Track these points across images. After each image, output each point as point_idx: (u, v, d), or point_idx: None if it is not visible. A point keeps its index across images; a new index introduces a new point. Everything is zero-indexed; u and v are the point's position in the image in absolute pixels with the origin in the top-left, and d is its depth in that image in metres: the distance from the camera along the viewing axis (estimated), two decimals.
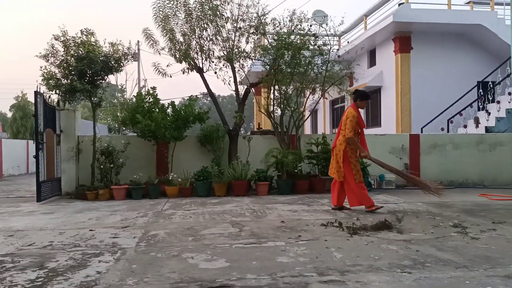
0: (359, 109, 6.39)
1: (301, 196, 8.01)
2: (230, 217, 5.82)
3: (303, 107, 10.36)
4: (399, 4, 13.97)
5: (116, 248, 4.19)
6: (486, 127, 11.61)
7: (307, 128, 23.52)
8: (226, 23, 9.60)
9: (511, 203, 6.84)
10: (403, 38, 14.06)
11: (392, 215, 5.80)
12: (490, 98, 12.64)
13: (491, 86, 12.88)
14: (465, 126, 12.53)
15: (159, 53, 9.81)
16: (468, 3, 14.85)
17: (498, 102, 11.91)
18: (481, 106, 12.81)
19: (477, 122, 12.07)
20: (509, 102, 11.53)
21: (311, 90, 10.04)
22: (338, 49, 15.52)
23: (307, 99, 10.64)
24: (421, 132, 12.56)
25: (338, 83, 9.87)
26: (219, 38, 9.54)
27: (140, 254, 3.92)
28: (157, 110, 8.80)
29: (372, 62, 16.36)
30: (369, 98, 6.50)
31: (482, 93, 12.95)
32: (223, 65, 9.62)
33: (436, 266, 3.38)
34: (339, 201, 6.32)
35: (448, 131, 12.56)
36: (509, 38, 7.44)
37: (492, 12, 13.89)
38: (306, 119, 11.51)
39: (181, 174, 8.63)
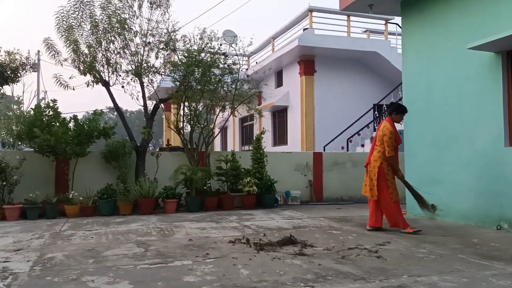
0: (395, 123, 5.93)
1: (210, 213, 7.96)
2: (135, 237, 5.56)
3: (213, 124, 10.40)
4: (304, 29, 14.86)
5: (7, 273, 3.79)
6: None
7: (217, 145, 23.64)
8: (135, 37, 9.36)
9: (406, 217, 7.48)
10: (307, 61, 14.95)
11: (297, 230, 6.03)
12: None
13: (385, 108, 14.20)
14: (362, 146, 13.59)
15: (61, 65, 9.23)
16: (365, 31, 16.30)
17: None
18: (376, 127, 14.01)
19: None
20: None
21: (221, 108, 10.14)
22: (247, 69, 15.99)
23: (216, 116, 10.72)
24: (324, 150, 13.36)
25: (247, 102, 10.11)
26: (127, 51, 9.25)
27: (34, 279, 3.58)
28: (57, 124, 8.18)
29: (279, 83, 17.08)
30: (405, 111, 6.02)
31: (377, 115, 14.22)
32: (131, 79, 9.32)
33: (337, 278, 3.56)
34: (376, 221, 5.94)
35: (347, 150, 13.52)
36: (400, 65, 8.27)
37: (386, 41, 15.42)
38: (216, 136, 11.57)
39: (83, 192, 8.07)
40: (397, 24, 15.07)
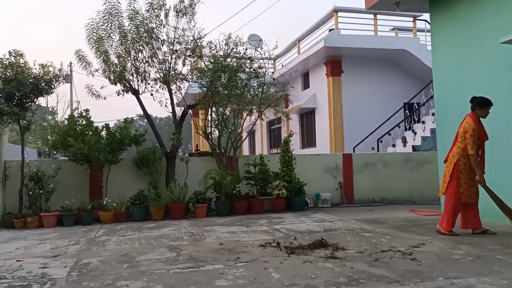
0: (481, 119, 5.57)
1: (239, 217, 8.00)
2: (167, 242, 5.65)
3: (240, 128, 10.46)
4: (330, 30, 14.74)
5: (46, 279, 3.92)
6: (413, 146, 12.42)
7: (245, 149, 23.72)
8: (162, 45, 9.56)
9: (437, 218, 7.29)
10: (334, 62, 14.80)
11: (328, 233, 5.96)
12: (416, 119, 13.58)
13: (416, 107, 13.87)
14: (393, 145, 13.32)
15: (93, 75, 9.53)
16: (393, 29, 15.99)
17: (423, 122, 12.82)
18: (407, 126, 13.71)
19: (404, 141, 12.89)
20: (433, 122, 12.42)
21: (248, 112, 10.19)
22: (273, 72, 16.01)
23: (244, 121, 10.78)
24: (353, 151, 13.17)
25: (274, 105, 10.11)
26: (155, 60, 9.46)
27: (71, 284, 3.69)
28: (90, 133, 8.45)
29: (306, 85, 16.99)
30: (490, 104, 5.58)
31: (408, 114, 13.91)
32: (160, 87, 9.52)
33: (370, 282, 3.50)
34: (470, 223, 5.61)
35: (378, 150, 13.27)
36: (430, 62, 8.08)
37: (415, 38, 15.06)
38: (244, 140, 11.63)
39: (116, 199, 8.29)
40: (426, 20, 14.71)
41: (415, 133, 12.70)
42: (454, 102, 7.31)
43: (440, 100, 7.75)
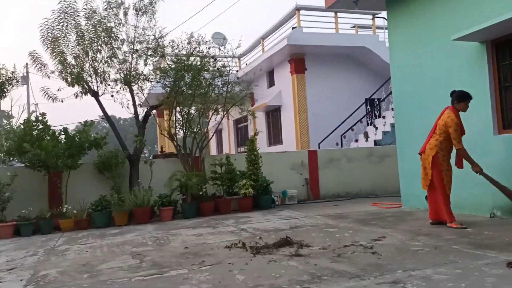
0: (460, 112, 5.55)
1: (207, 219, 7.94)
2: (130, 248, 5.53)
3: (206, 128, 10.38)
4: (293, 28, 14.86)
5: None
6: (374, 140, 12.73)
7: (213, 149, 23.61)
8: (122, 45, 9.31)
9: (398, 210, 7.52)
10: (298, 59, 14.94)
11: (293, 230, 6.02)
12: (377, 114, 13.93)
13: (377, 102, 14.22)
14: (356, 141, 13.61)
15: (48, 77, 9.18)
16: (353, 27, 16.30)
17: (384, 117, 13.16)
18: (369, 122, 14.04)
19: (366, 136, 13.20)
20: (393, 117, 12.78)
21: (213, 111, 10.12)
22: (237, 71, 15.98)
23: (209, 120, 10.70)
24: (319, 147, 13.36)
25: (239, 104, 10.09)
26: (114, 60, 9.21)
27: None
28: (47, 137, 8.13)
29: (271, 83, 17.07)
30: (469, 98, 5.55)
31: (369, 109, 14.24)
32: (120, 88, 9.29)
33: (332, 278, 3.55)
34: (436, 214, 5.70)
35: (342, 146, 13.54)
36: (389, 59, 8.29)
37: (374, 35, 15.42)
38: (209, 140, 11.55)
39: (77, 205, 8.01)
40: (384, 18, 15.07)
41: (376, 128, 13.03)
42: (412, 97, 7.53)
43: (398, 96, 7.97)
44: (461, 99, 5.51)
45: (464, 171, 6.44)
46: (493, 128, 6.04)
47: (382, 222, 6.32)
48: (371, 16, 15.71)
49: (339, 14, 15.11)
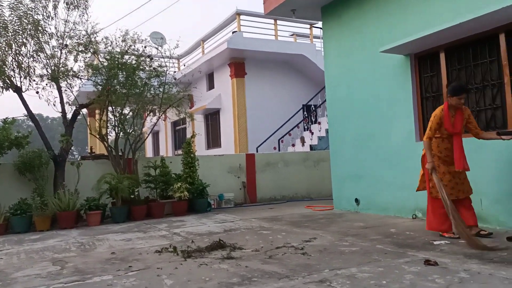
0: (459, 108, 4.91)
1: (138, 223, 7.65)
2: (51, 254, 5.17)
3: (141, 129, 10.04)
4: (233, 32, 14.91)
5: None
6: (310, 145, 13.08)
7: (149, 151, 22.99)
8: (51, 39, 8.77)
9: (330, 213, 7.74)
10: (238, 64, 15.00)
11: (227, 233, 5.98)
12: (313, 120, 14.34)
13: (313, 109, 14.65)
14: (293, 145, 13.91)
15: None
16: (292, 35, 16.70)
17: (319, 123, 13.56)
18: (306, 127, 14.42)
19: (303, 141, 13.52)
20: (327, 123, 13.22)
21: (149, 112, 9.81)
22: (175, 72, 15.70)
23: (144, 121, 10.37)
24: (257, 151, 13.47)
25: (176, 105, 9.88)
26: (41, 55, 8.64)
27: None
28: None
29: (210, 85, 16.98)
30: (461, 92, 4.85)
31: (306, 115, 14.63)
32: (47, 84, 8.72)
33: (262, 279, 3.55)
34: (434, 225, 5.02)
35: (279, 150, 13.75)
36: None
37: (312, 44, 15.89)
38: (143, 142, 11.18)
39: None
40: (320, 28, 15.58)
41: (312, 133, 13.40)
42: (344, 104, 7.83)
43: (331, 103, 8.25)
44: (453, 93, 4.90)
45: (390, 175, 6.80)
46: (416, 135, 6.43)
47: (314, 224, 6.46)
48: (309, 26, 16.18)
49: (278, 22, 15.39)
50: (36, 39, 8.54)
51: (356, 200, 7.50)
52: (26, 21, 8.44)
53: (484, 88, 5.71)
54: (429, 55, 6.39)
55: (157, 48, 9.89)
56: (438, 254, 4.13)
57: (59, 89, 8.78)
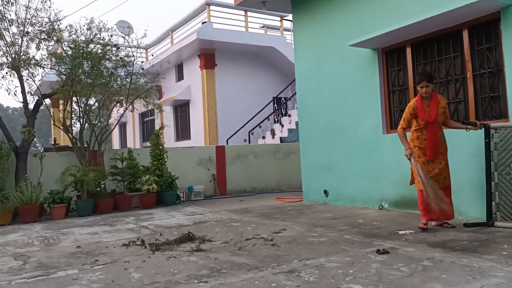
0: (434, 97, 4.90)
1: (104, 216, 7.48)
2: (13, 249, 4.97)
3: (107, 120, 9.77)
4: (203, 23, 14.71)
5: None
6: (280, 137, 13.15)
7: (116, 143, 22.50)
8: (11, 26, 8.37)
9: (299, 204, 7.82)
10: (208, 55, 14.84)
11: (197, 226, 5.94)
12: (284, 112, 14.41)
13: (284, 101, 14.71)
14: (263, 137, 13.95)
15: None
16: (262, 27, 16.65)
17: (289, 115, 13.65)
18: (276, 119, 14.48)
19: (273, 133, 13.58)
20: (297, 116, 13.32)
21: (115, 103, 9.56)
22: (143, 62, 15.36)
23: (110, 112, 10.11)
24: (227, 143, 13.41)
25: (143, 96, 9.67)
26: (1, 42, 8.24)
27: None
28: None
29: (180, 76, 16.73)
30: (421, 80, 4.82)
31: (276, 108, 14.68)
32: (7, 72, 8.34)
33: (231, 271, 3.55)
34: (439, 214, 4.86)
35: (249, 142, 13.75)
36: None
37: (282, 37, 15.91)
38: (110, 133, 10.91)
39: None
40: (291, 20, 15.61)
41: (283, 126, 13.48)
42: (313, 97, 7.90)
43: (301, 96, 8.30)
44: (415, 82, 4.80)
45: (358, 167, 6.93)
46: (382, 128, 6.57)
47: (284, 215, 6.51)
48: (279, 18, 16.17)
49: (249, 14, 15.31)
50: None
51: (325, 192, 7.61)
52: None
53: (448, 83, 5.89)
54: (396, 50, 6.52)
55: (124, 37, 9.65)
56: (403, 243, 4.25)
57: (20, 78, 8.41)
